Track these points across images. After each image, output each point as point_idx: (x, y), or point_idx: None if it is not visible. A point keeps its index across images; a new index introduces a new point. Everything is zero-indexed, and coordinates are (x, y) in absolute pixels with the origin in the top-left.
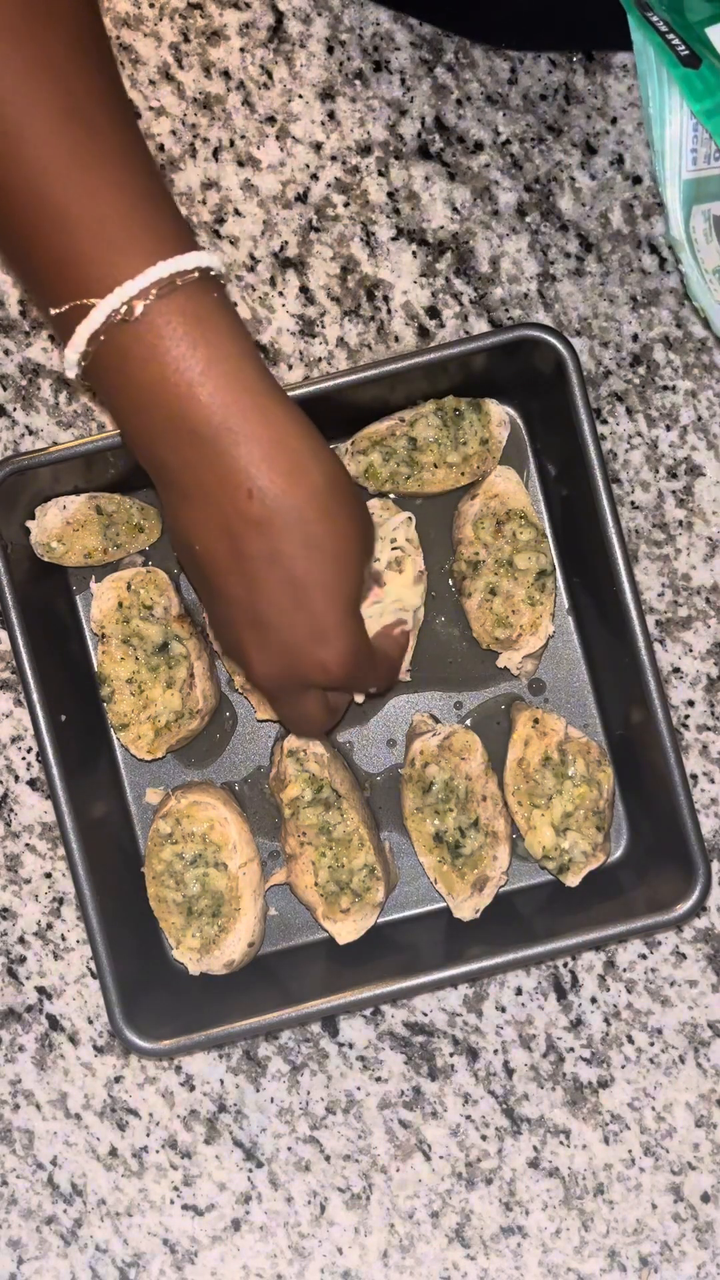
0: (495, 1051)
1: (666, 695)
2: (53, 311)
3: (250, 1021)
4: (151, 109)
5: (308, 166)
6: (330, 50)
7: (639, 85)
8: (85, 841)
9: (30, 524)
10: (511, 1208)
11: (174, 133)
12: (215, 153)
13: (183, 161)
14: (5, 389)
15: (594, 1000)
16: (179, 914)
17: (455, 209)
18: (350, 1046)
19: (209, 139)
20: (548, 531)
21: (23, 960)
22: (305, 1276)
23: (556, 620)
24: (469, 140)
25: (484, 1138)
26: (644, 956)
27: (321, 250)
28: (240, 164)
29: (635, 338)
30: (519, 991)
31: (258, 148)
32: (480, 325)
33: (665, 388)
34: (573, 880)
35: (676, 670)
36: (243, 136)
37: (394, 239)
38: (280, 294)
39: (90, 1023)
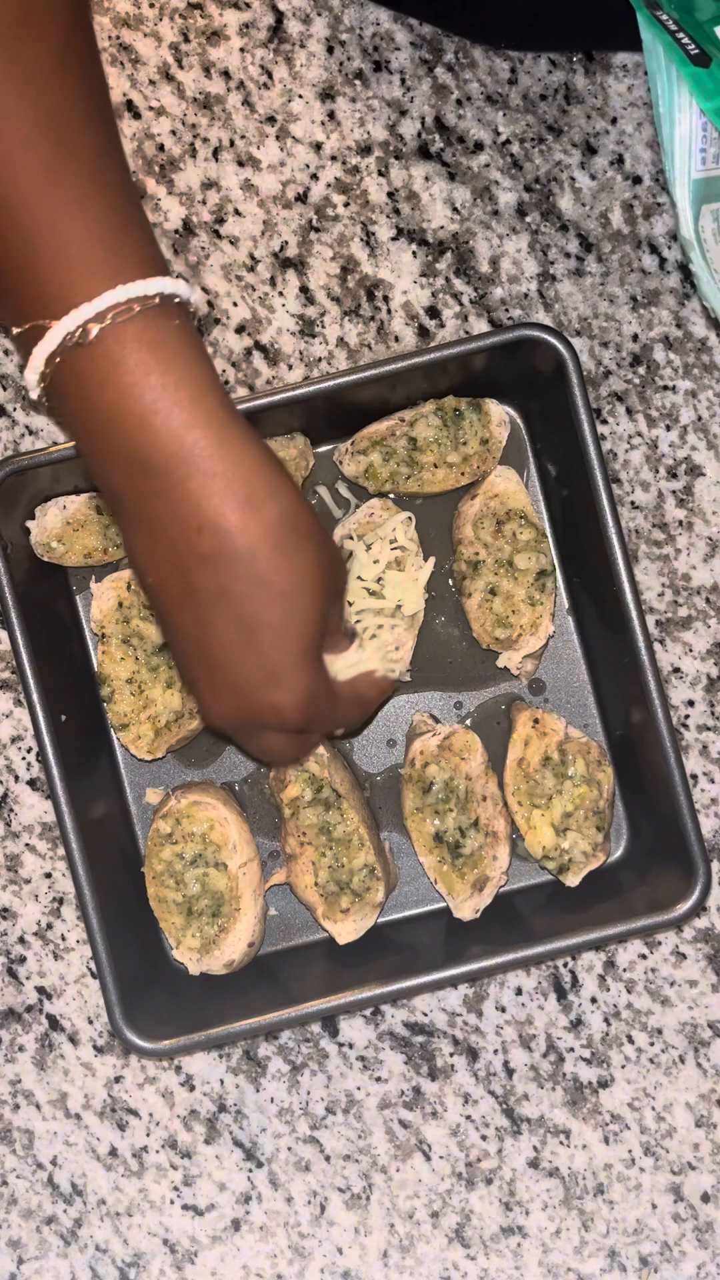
0: (495, 1051)
1: (666, 695)
2: (14, 331)
3: (250, 1021)
4: (151, 109)
5: (308, 166)
6: (330, 50)
7: (649, 84)
8: (85, 841)
9: (30, 524)
10: (511, 1208)
11: (174, 133)
12: (215, 153)
13: (183, 161)
14: (5, 389)
15: (594, 1000)
16: (179, 914)
17: (455, 209)
18: (350, 1046)
19: (209, 139)
20: (548, 531)
21: (23, 960)
22: (305, 1276)
23: (556, 620)
24: (469, 140)
25: (484, 1138)
26: (644, 956)
27: (321, 250)
28: (240, 164)
29: (635, 338)
30: (519, 991)
31: (258, 148)
32: (480, 325)
33: (665, 388)
34: (573, 880)
35: (676, 670)
36: (243, 136)
37: (394, 239)
38: (280, 294)
39: (90, 1023)
